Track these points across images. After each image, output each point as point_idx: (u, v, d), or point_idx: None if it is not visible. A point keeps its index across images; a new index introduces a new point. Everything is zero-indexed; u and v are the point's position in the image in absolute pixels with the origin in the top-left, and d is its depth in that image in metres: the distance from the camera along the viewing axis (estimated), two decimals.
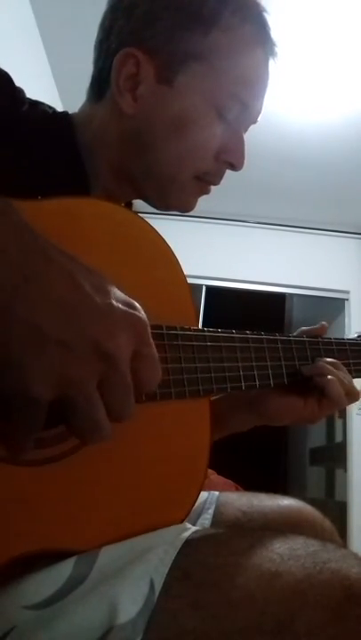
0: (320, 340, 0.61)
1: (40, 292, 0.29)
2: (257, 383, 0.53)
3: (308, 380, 0.57)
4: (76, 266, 0.31)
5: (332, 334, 0.71)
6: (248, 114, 0.59)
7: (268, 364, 0.54)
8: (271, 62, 0.61)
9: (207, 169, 0.59)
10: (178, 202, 0.61)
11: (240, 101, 0.57)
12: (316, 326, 0.64)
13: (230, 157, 0.59)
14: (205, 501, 0.67)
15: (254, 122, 0.62)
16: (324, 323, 0.64)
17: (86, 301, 0.31)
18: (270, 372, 0.54)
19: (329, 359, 0.59)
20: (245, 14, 0.56)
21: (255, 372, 0.53)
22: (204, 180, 0.60)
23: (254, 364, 0.53)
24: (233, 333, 0.51)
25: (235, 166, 0.60)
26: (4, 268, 0.28)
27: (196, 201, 0.62)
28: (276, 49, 0.59)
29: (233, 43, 0.56)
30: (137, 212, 0.47)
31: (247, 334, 0.53)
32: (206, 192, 0.62)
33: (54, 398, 0.30)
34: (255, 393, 0.60)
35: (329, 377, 0.56)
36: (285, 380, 0.56)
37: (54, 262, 0.30)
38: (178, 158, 0.57)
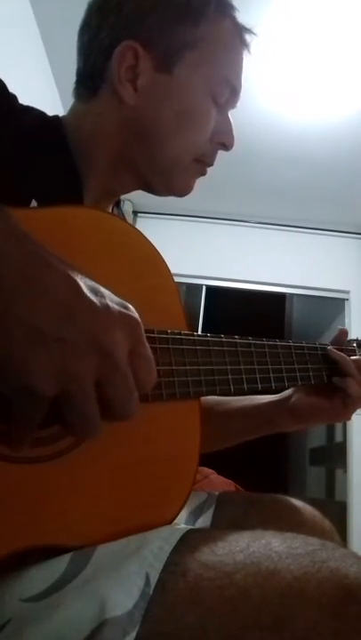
0: (305, 345, 0.64)
1: (39, 292, 0.30)
2: (245, 387, 0.54)
3: (336, 377, 0.65)
4: (72, 271, 0.33)
5: (333, 334, 0.73)
6: (234, 97, 0.65)
7: (256, 367, 0.56)
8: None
9: (204, 151, 0.63)
10: (181, 184, 0.65)
11: (230, 86, 0.63)
12: (337, 333, 0.72)
13: (223, 138, 0.64)
14: (205, 501, 0.67)
15: (235, 107, 0.67)
16: (341, 327, 0.72)
17: (84, 301, 0.32)
18: (258, 375, 0.56)
19: (354, 357, 0.67)
20: (224, 9, 0.62)
21: (243, 376, 0.54)
22: (202, 162, 0.65)
23: (242, 367, 0.55)
24: (222, 338, 0.53)
25: (227, 146, 0.65)
26: (5, 271, 0.29)
27: (194, 183, 0.66)
28: (248, 40, 0.64)
29: (220, 33, 0.61)
30: (136, 213, 0.48)
31: (235, 339, 0.55)
32: (204, 173, 0.66)
33: (55, 394, 0.31)
34: (291, 403, 0.69)
35: (348, 377, 0.64)
36: (273, 385, 0.58)
37: (52, 266, 0.32)
38: (181, 143, 0.61)
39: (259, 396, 0.72)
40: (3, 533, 0.37)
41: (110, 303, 0.33)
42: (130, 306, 0.36)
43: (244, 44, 0.64)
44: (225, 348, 0.53)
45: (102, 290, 0.34)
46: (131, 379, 0.34)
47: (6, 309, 0.29)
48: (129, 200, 3.14)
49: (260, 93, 2.32)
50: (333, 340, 0.71)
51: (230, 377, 0.53)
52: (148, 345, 0.36)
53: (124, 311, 0.34)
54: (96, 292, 0.33)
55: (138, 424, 0.42)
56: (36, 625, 0.33)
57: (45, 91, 2.29)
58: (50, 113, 0.60)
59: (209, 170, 0.67)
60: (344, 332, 0.72)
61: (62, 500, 0.40)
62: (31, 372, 0.29)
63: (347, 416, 0.67)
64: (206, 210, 3.30)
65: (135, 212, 3.34)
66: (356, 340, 0.74)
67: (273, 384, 0.58)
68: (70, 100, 0.65)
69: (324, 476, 3.59)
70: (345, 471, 3.02)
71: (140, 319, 0.35)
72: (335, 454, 3.27)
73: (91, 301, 0.32)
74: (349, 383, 0.64)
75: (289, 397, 0.69)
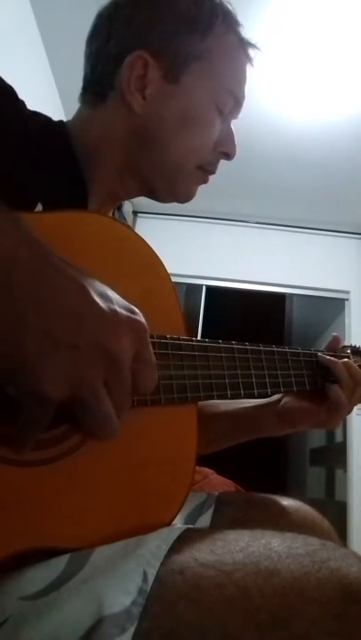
0: (301, 351, 0.65)
1: (51, 299, 0.31)
2: (241, 392, 0.55)
3: (329, 382, 0.65)
4: (81, 275, 0.34)
5: (332, 335, 0.73)
6: (238, 108, 0.67)
7: (253, 372, 0.57)
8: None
9: (208, 159, 0.65)
10: (184, 191, 0.66)
11: (234, 97, 0.65)
12: (330, 340, 0.73)
13: (225, 148, 0.66)
14: (205, 502, 0.67)
15: (237, 117, 0.69)
16: (335, 334, 0.73)
17: (94, 308, 0.33)
18: (254, 380, 0.57)
19: (344, 360, 0.67)
20: (230, 23, 0.64)
21: (240, 381, 0.55)
22: (205, 170, 0.66)
23: (239, 372, 0.55)
24: (219, 343, 0.54)
25: (229, 155, 0.67)
26: (17, 276, 0.30)
27: (197, 190, 0.68)
28: (252, 54, 0.67)
29: (225, 46, 0.63)
30: (136, 213, 0.49)
31: (232, 344, 0.55)
32: (206, 181, 0.68)
33: (66, 398, 0.32)
34: (280, 406, 0.68)
35: (334, 385, 0.64)
36: (269, 391, 0.59)
37: (62, 271, 0.32)
38: (186, 151, 0.62)
39: (247, 400, 0.72)
40: (2, 535, 0.37)
41: (118, 308, 0.35)
42: (137, 310, 0.37)
43: (248, 58, 0.66)
44: (222, 354, 0.54)
45: (110, 294, 0.35)
46: (130, 382, 0.35)
47: (18, 316, 0.30)
48: (129, 200, 3.14)
49: (260, 93, 2.32)
50: (327, 347, 0.72)
51: (227, 382, 0.53)
52: (151, 349, 0.37)
53: (132, 316, 0.36)
54: (105, 297, 0.34)
55: (136, 427, 0.43)
56: (34, 622, 0.33)
57: (46, 91, 2.30)
58: (50, 114, 0.61)
59: (215, 173, 0.68)
60: (337, 339, 0.72)
61: (61, 503, 0.40)
62: (42, 378, 0.30)
63: (335, 423, 0.67)
64: (206, 210, 3.30)
65: (135, 213, 3.34)
66: (351, 347, 0.74)
67: (269, 389, 0.58)
68: (71, 102, 0.65)
69: (324, 476, 3.59)
70: (345, 471, 3.02)
71: (146, 324, 0.36)
72: (335, 454, 3.27)
73: (99, 307, 0.33)
74: (335, 390, 0.64)
75: (278, 401, 0.69)
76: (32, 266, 0.31)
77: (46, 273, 0.31)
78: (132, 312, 0.36)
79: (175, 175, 0.64)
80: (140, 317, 0.36)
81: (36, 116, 0.58)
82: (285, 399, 0.69)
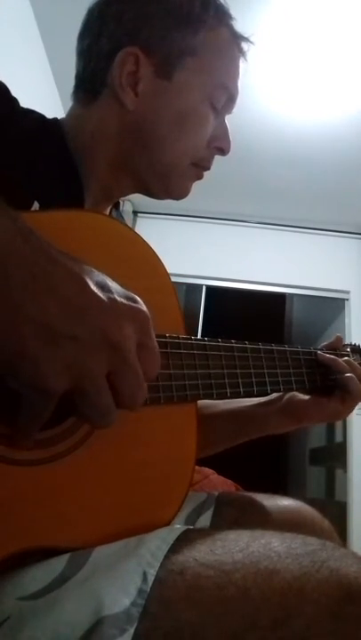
0: (300, 349, 0.65)
1: (49, 290, 0.31)
2: (241, 390, 0.55)
3: (328, 380, 0.66)
4: (78, 266, 0.33)
5: (332, 335, 0.73)
6: (231, 103, 0.66)
7: (252, 371, 0.57)
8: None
9: (202, 156, 0.65)
10: (179, 188, 0.66)
11: (227, 92, 0.64)
12: (332, 339, 0.73)
13: (220, 143, 0.66)
14: (205, 502, 0.67)
15: (230, 112, 0.68)
16: (338, 335, 0.74)
17: (92, 298, 0.33)
18: (254, 379, 0.57)
19: (345, 358, 0.68)
20: (222, 17, 0.63)
21: (239, 380, 0.55)
22: (200, 166, 0.66)
23: (238, 371, 0.55)
24: (219, 342, 0.54)
25: (224, 151, 0.67)
26: (14, 269, 0.30)
27: (191, 186, 0.68)
28: (245, 48, 0.65)
29: (218, 40, 0.62)
30: (136, 213, 0.49)
31: (232, 343, 0.55)
32: (200, 177, 0.68)
33: (67, 389, 0.31)
34: (286, 401, 0.68)
35: (348, 375, 0.64)
36: (268, 389, 0.59)
37: (59, 263, 0.32)
38: (180, 147, 0.62)
39: (247, 399, 0.71)
40: (2, 535, 0.37)
41: (118, 297, 0.34)
42: (138, 298, 0.36)
43: (241, 52, 0.65)
44: (222, 353, 0.54)
45: (109, 284, 0.35)
46: (140, 370, 0.35)
47: (17, 308, 0.29)
48: (129, 200, 3.14)
49: (260, 93, 2.32)
50: (328, 346, 0.72)
51: (227, 381, 0.53)
52: (153, 336, 0.36)
53: (133, 305, 0.35)
54: (103, 287, 0.34)
55: (135, 427, 0.42)
56: (33, 622, 0.33)
57: (45, 91, 2.29)
58: (50, 113, 0.61)
59: (210, 169, 0.68)
60: (340, 339, 0.73)
61: (61, 502, 0.40)
62: (43, 370, 0.30)
63: (344, 414, 0.67)
64: (206, 210, 3.30)
65: (135, 212, 3.34)
66: (350, 345, 0.74)
67: (268, 388, 0.58)
68: (70, 101, 0.65)
69: (324, 476, 3.59)
70: (345, 471, 3.02)
71: (147, 310, 0.36)
72: (335, 454, 3.27)
73: (98, 297, 0.33)
74: (350, 380, 0.64)
75: (280, 398, 0.69)
76: (29, 258, 0.30)
77: (44, 265, 0.31)
78: (133, 300, 0.36)
79: (169, 172, 0.63)
80: (142, 305, 0.36)
81: (30, 113, 0.57)
82: (290, 395, 0.69)
